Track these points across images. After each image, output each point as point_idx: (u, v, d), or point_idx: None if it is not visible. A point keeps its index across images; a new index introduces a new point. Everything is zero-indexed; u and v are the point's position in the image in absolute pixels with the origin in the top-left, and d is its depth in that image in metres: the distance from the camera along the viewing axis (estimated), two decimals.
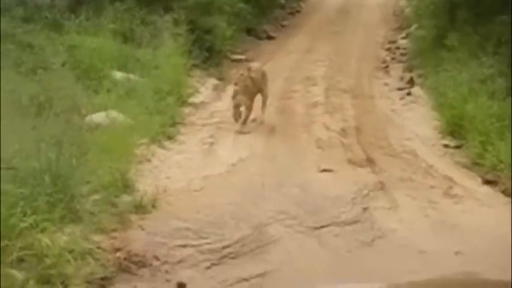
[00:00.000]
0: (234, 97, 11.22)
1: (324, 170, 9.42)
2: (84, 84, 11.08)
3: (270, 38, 18.78)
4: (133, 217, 7.52)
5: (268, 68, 15.17)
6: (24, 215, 6.36)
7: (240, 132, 10.98)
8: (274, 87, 13.60)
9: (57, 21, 13.01)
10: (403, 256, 7.25)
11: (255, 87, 11.47)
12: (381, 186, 8.85)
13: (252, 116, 11.35)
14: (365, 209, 8.23)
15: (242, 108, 11.21)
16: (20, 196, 6.54)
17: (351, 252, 7.39)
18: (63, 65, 11.24)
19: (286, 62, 16.05)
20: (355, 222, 7.94)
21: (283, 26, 20.30)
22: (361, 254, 7.35)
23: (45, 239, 6.25)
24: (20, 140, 7.50)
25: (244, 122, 11.18)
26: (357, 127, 11.43)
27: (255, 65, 13.14)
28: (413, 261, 7.14)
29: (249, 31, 18.44)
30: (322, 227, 7.82)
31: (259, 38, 18.56)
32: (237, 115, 11.17)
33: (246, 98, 11.16)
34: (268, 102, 11.76)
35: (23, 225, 6.22)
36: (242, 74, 11.51)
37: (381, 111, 12.50)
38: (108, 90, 11.01)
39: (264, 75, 11.91)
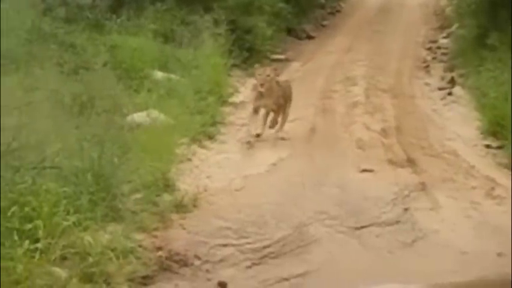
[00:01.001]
0: (256, 99, 10.46)
1: (365, 170, 9.37)
2: (125, 84, 11.15)
3: (309, 37, 18.76)
4: (174, 216, 7.54)
5: (308, 68, 15.28)
6: (67, 213, 6.43)
7: (252, 141, 10.36)
8: (314, 87, 13.66)
9: (99, 21, 13.15)
10: (444, 257, 7.19)
11: (282, 96, 10.60)
12: (422, 187, 8.78)
13: (258, 130, 10.48)
14: (406, 209, 8.17)
15: (262, 112, 10.56)
16: (63, 195, 6.61)
17: (391, 253, 7.34)
18: (105, 65, 11.31)
19: (326, 62, 16.01)
20: (396, 222, 7.89)
21: (323, 26, 20.28)
22: (402, 255, 7.31)
23: (88, 238, 6.31)
24: (63, 139, 7.57)
25: (281, 127, 10.65)
26: (397, 127, 11.36)
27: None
28: (455, 262, 7.09)
29: (289, 31, 18.44)
30: (362, 227, 7.78)
31: (299, 38, 18.55)
32: (253, 121, 10.48)
33: (273, 103, 10.42)
34: (309, 101, 11.73)
35: (66, 223, 6.27)
36: (269, 75, 10.35)
37: (422, 111, 12.42)
38: (149, 90, 11.10)
39: (290, 89, 11.08)
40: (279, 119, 10.64)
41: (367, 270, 6.98)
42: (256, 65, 10.84)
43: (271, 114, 10.54)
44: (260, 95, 10.29)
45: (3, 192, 6.25)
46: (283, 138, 10.52)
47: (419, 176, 9.21)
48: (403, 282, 6.83)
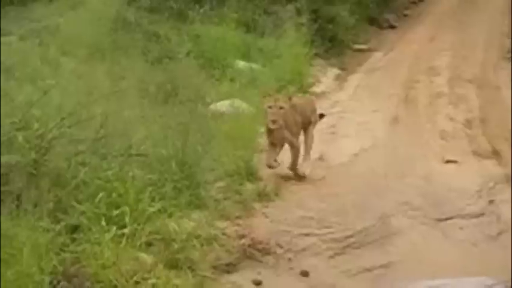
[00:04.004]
0: (269, 135, 8.39)
1: (448, 161, 9.28)
2: (208, 73, 11.28)
3: (392, 27, 18.55)
4: (257, 205, 7.57)
5: (390, 58, 15.13)
6: (153, 200, 6.53)
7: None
8: (396, 77, 13.52)
9: (182, 11, 13.27)
10: None
11: (301, 120, 8.70)
12: (507, 179, 8.61)
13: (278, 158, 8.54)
14: (491, 201, 8.06)
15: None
16: (149, 182, 6.72)
17: (476, 246, 7.26)
18: (188, 54, 11.46)
19: (409, 52, 15.81)
20: (481, 215, 7.81)
21: (405, 15, 19.98)
22: (487, 248, 7.22)
23: (173, 224, 6.39)
24: (148, 127, 7.70)
25: (294, 165, 8.49)
26: (482, 118, 11.17)
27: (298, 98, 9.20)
28: None
29: (371, 20, 18.26)
30: (446, 219, 7.71)
31: (381, 28, 18.35)
32: (272, 159, 8.39)
33: (290, 135, 8.45)
34: (391, 91, 11.60)
35: (151, 210, 6.37)
36: (282, 107, 8.18)
37: (507, 102, 12.16)
38: (232, 79, 11.20)
39: (313, 107, 9.18)
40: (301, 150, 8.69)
41: (451, 263, 6.91)
42: (266, 95, 8.42)
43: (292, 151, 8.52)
44: (273, 128, 8.26)
45: (91, 178, 6.40)
46: (304, 176, 8.53)
47: (504, 168, 9.04)
48: (486, 275, 6.71)
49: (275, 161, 8.37)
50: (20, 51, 10.27)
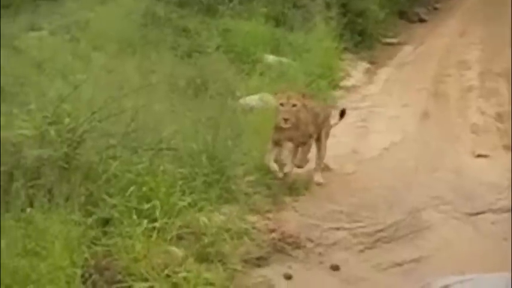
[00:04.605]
0: (278, 131, 7.81)
1: (479, 156, 9.21)
2: (237, 67, 11.27)
3: (422, 21, 18.46)
4: (287, 199, 7.57)
5: (420, 52, 15.05)
6: (183, 194, 6.56)
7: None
8: (426, 70, 13.44)
9: (212, 5, 13.27)
10: None
11: (312, 123, 8.09)
12: None
13: (287, 168, 7.92)
14: None
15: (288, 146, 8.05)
16: (179, 176, 6.74)
17: (507, 240, 7.17)
18: (218, 48, 11.48)
19: (439, 46, 15.71)
20: None
21: (435, 9, 19.87)
22: None
23: (203, 218, 6.41)
24: (178, 121, 7.72)
25: (304, 162, 8.01)
26: None
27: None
28: None
29: (401, 14, 18.19)
30: (477, 213, 7.65)
31: (411, 21, 18.28)
32: (272, 155, 7.82)
33: (301, 135, 7.89)
34: (421, 85, 11.55)
35: (181, 204, 6.41)
36: (295, 105, 7.66)
37: None
38: (261, 74, 11.18)
39: (326, 115, 8.54)
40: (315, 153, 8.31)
41: (482, 258, 6.83)
42: (278, 90, 8.01)
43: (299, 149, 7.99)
44: (282, 129, 7.76)
45: (122, 172, 6.43)
46: (318, 183, 8.08)
47: None
48: None
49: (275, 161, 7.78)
50: (51, 46, 10.37)
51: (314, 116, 8.10)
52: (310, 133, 8.01)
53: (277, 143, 7.85)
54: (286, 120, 7.65)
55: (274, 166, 7.73)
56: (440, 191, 8.07)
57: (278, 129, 7.78)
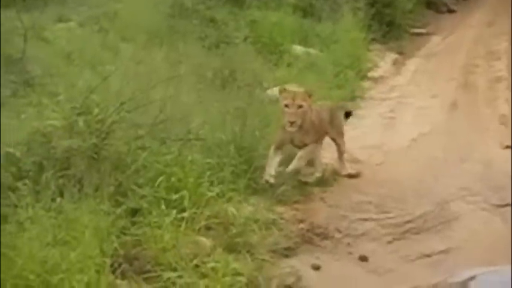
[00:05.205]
0: (283, 133, 7.35)
1: (508, 147, 9.11)
2: (265, 58, 11.27)
3: (450, 11, 18.34)
4: (315, 190, 7.56)
5: (448, 42, 14.95)
6: (211, 184, 6.58)
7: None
8: (455, 61, 13.36)
9: None
10: None
11: (320, 124, 7.69)
12: None
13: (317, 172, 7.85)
14: None
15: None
16: (207, 166, 6.77)
17: None
18: (245, 39, 11.48)
19: (468, 36, 15.61)
20: None
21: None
22: None
23: (231, 209, 6.44)
24: (206, 111, 7.75)
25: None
26: None
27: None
28: None
29: (429, 4, 18.08)
30: (506, 205, 7.55)
31: (440, 12, 18.16)
32: (275, 160, 7.28)
33: (310, 139, 7.46)
34: (450, 76, 11.45)
35: (210, 194, 6.43)
36: (301, 106, 7.15)
37: None
38: (289, 64, 11.17)
39: (334, 114, 8.07)
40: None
41: (510, 249, 6.78)
42: (282, 89, 7.40)
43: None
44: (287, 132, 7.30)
45: (150, 162, 6.46)
46: (349, 175, 7.99)
47: None
48: None
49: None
50: (80, 37, 10.42)
51: (319, 120, 7.64)
52: (316, 137, 7.56)
53: (279, 146, 7.31)
54: (292, 123, 7.15)
55: (272, 172, 7.12)
56: (469, 182, 8.01)
57: (283, 132, 7.31)
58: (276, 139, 7.35)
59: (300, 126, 7.22)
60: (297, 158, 7.31)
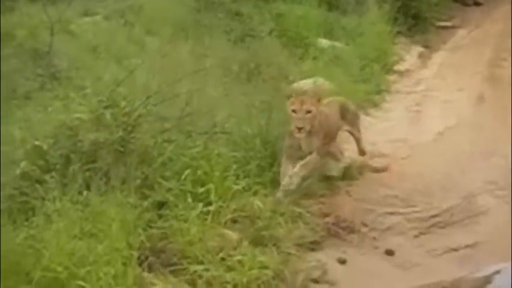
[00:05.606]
0: (291, 138, 7.04)
1: None
2: (290, 51, 11.24)
3: (477, 4, 18.18)
4: (341, 183, 7.55)
5: (474, 36, 14.83)
6: (237, 178, 6.59)
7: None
8: (481, 55, 13.24)
9: None
10: None
11: (332, 125, 7.47)
12: None
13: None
14: None
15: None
16: (233, 159, 6.77)
17: None
18: (271, 33, 11.46)
19: (494, 30, 15.44)
20: None
21: None
22: None
23: (257, 202, 6.44)
24: (232, 105, 7.74)
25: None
26: None
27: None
28: None
29: None
30: None
31: (466, 5, 18.00)
32: (288, 169, 6.94)
33: (322, 145, 7.17)
34: (475, 70, 11.35)
35: (236, 187, 6.44)
36: (309, 111, 6.88)
37: None
38: (314, 58, 11.14)
39: (345, 108, 7.89)
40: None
41: None
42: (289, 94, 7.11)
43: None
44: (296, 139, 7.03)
45: (176, 155, 6.48)
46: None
47: None
48: None
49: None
50: (106, 30, 10.45)
51: (329, 123, 7.36)
52: (326, 141, 7.28)
53: (291, 156, 7.01)
54: (300, 129, 6.87)
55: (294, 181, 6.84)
56: (496, 176, 7.95)
57: (291, 139, 7.01)
58: (285, 147, 7.07)
59: (309, 132, 6.93)
60: (289, 175, 6.84)
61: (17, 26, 9.65)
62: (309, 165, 6.94)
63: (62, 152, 6.12)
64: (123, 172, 6.02)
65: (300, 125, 6.83)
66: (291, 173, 6.82)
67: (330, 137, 7.40)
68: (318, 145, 7.06)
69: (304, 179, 6.87)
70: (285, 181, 6.79)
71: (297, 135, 6.88)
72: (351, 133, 8.02)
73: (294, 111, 6.88)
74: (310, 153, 7.01)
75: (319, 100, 7.07)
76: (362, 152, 8.11)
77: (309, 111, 6.88)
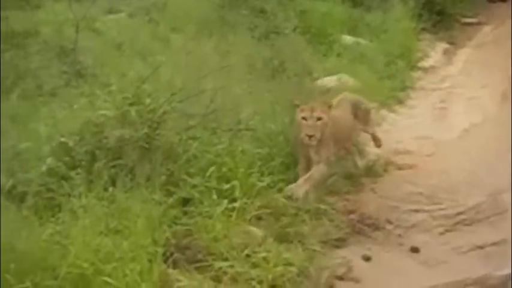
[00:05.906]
0: (303, 148, 6.83)
1: None
2: (314, 48, 11.22)
3: (502, 0, 18.05)
4: (366, 180, 7.53)
5: (500, 32, 14.72)
6: (262, 174, 6.59)
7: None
8: (507, 51, 13.10)
9: None
10: None
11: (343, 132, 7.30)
12: None
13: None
14: None
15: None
16: (258, 156, 6.77)
17: None
18: (295, 29, 11.43)
19: None
20: None
21: None
22: None
23: (282, 199, 6.42)
24: (256, 102, 7.75)
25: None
26: None
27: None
28: None
29: None
30: None
31: (492, 1, 17.83)
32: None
33: (328, 150, 6.91)
34: (500, 66, 11.27)
35: (260, 184, 6.44)
36: (320, 118, 6.66)
37: None
38: (338, 55, 11.13)
39: (357, 106, 7.71)
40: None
41: None
42: (299, 103, 6.82)
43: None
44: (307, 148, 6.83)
45: (201, 152, 6.49)
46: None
47: None
48: None
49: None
50: (130, 28, 10.49)
51: (339, 128, 7.13)
52: (336, 148, 7.13)
53: (307, 165, 6.82)
54: (310, 136, 6.67)
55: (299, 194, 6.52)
56: None
57: (302, 148, 6.82)
58: (296, 155, 6.93)
59: (319, 141, 6.73)
60: (292, 186, 6.57)
61: (42, 24, 9.72)
62: (312, 179, 6.67)
63: (87, 149, 6.16)
64: (148, 169, 6.04)
65: (310, 133, 6.66)
66: (295, 185, 6.59)
67: (342, 141, 7.28)
68: (327, 155, 6.87)
69: (308, 192, 6.62)
70: (287, 189, 6.54)
71: (308, 142, 6.68)
72: (366, 131, 7.90)
73: (304, 118, 6.71)
74: (319, 162, 6.80)
75: (330, 107, 6.89)
76: (378, 143, 7.91)
77: (319, 118, 6.71)
